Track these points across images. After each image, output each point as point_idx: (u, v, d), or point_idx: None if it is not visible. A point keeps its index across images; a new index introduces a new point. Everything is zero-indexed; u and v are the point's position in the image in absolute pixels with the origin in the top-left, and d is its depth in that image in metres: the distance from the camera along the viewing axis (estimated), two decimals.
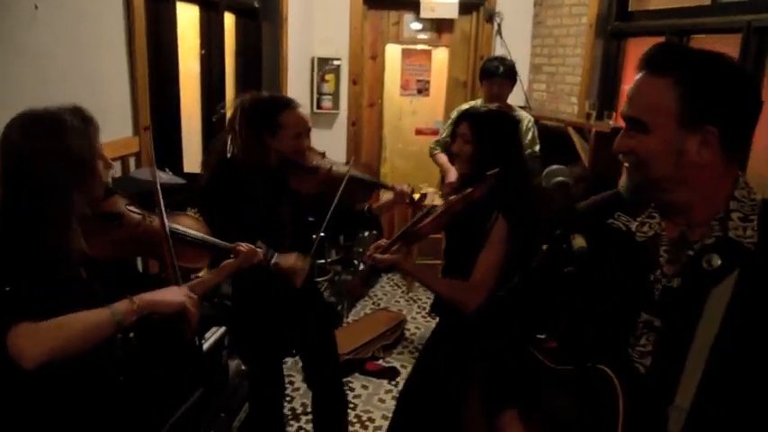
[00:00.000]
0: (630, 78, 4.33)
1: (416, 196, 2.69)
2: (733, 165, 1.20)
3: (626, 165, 1.26)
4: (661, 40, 4.11)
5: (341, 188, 2.40)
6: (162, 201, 1.73)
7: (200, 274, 2.08)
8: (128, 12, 2.62)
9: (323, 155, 2.62)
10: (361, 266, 4.94)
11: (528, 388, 1.38)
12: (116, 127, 2.60)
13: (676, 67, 1.16)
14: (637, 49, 4.62)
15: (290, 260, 2.26)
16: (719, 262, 1.15)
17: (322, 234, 2.35)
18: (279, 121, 2.30)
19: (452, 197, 2.19)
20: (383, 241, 2.23)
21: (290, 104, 2.35)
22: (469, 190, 2.11)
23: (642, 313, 1.24)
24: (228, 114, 2.44)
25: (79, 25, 2.37)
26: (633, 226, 1.28)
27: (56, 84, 2.25)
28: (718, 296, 1.13)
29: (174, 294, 1.56)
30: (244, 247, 1.96)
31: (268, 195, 2.35)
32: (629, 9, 4.60)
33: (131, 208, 1.70)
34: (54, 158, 1.40)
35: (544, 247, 1.33)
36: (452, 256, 2.34)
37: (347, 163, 2.67)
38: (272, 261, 2.19)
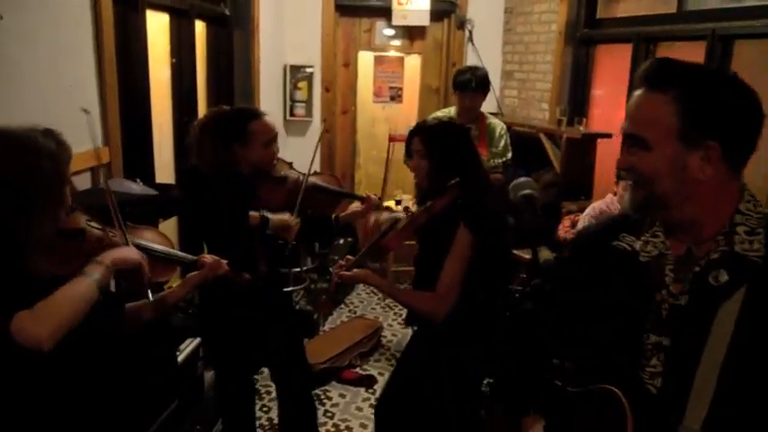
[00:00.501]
0: (600, 84, 4.40)
1: (388, 204, 2.73)
2: (737, 178, 1.18)
3: (629, 182, 1.25)
4: (629, 46, 4.18)
5: (299, 197, 2.48)
6: (119, 215, 1.72)
7: (169, 286, 2.07)
8: (96, 20, 2.59)
9: (290, 165, 2.64)
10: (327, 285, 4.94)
11: (541, 405, 1.37)
12: (84, 137, 2.56)
13: (675, 82, 1.15)
14: (605, 55, 4.70)
15: (283, 218, 2.45)
16: (726, 277, 1.13)
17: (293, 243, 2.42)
18: (249, 130, 2.34)
19: (415, 210, 2.22)
20: (348, 258, 2.25)
21: (257, 114, 2.40)
22: (431, 202, 2.15)
23: (650, 334, 1.21)
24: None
25: (46, 34, 2.33)
26: (637, 246, 1.27)
27: (23, 93, 2.21)
28: (727, 312, 1.11)
29: (130, 251, 1.61)
30: (208, 258, 1.95)
31: (238, 206, 2.37)
32: (598, 16, 4.67)
33: (92, 224, 1.67)
34: (24, 183, 1.37)
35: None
36: (422, 266, 2.36)
37: (315, 173, 2.70)
38: (269, 222, 2.37)
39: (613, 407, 1.16)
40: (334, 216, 2.72)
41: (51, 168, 1.41)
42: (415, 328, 2.52)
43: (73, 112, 2.49)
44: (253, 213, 2.42)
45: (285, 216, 2.46)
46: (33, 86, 2.27)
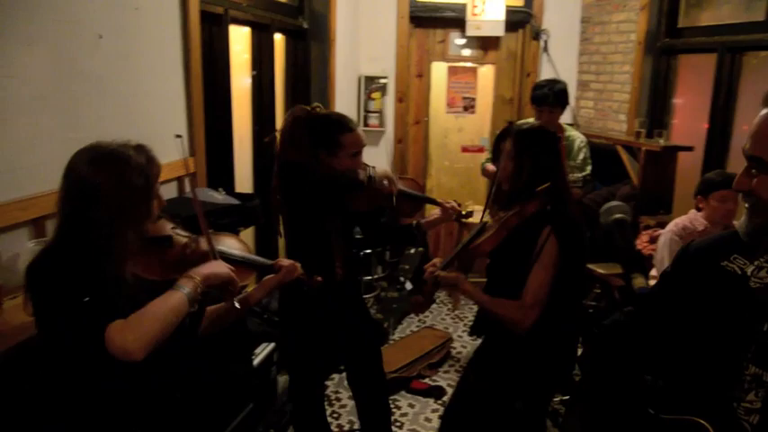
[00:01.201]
0: (681, 95, 4.25)
1: (464, 211, 2.69)
2: None
3: (746, 205, 1.18)
4: (713, 57, 4.05)
5: (394, 198, 2.45)
6: (206, 221, 1.79)
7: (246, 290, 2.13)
8: (184, 37, 2.71)
9: (373, 168, 2.63)
10: (407, 285, 4.95)
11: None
12: (172, 148, 2.68)
13: None
14: (687, 65, 4.56)
15: (383, 171, 2.45)
16: None
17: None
18: (339, 141, 2.36)
19: (504, 214, 2.17)
20: (438, 260, 2.23)
21: (349, 126, 2.41)
22: (520, 207, 2.11)
23: (751, 365, 1.15)
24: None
25: (139, 52, 2.46)
26: (749, 270, 1.20)
27: (116, 107, 2.34)
28: None
29: (219, 266, 1.65)
30: (285, 262, 2.00)
31: (319, 207, 2.39)
32: (679, 25, 4.53)
33: (178, 231, 1.74)
34: (115, 194, 1.45)
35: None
36: (495, 273, 2.31)
37: (398, 178, 2.68)
38: (371, 175, 2.37)
39: None
40: (415, 222, 2.71)
41: (141, 182, 1.50)
42: (481, 338, 2.50)
43: (163, 123, 2.61)
44: (362, 173, 2.41)
45: (385, 169, 2.46)
46: (126, 101, 2.40)
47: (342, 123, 2.42)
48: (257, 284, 1.98)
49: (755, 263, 1.19)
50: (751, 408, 1.14)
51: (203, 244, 1.73)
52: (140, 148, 1.54)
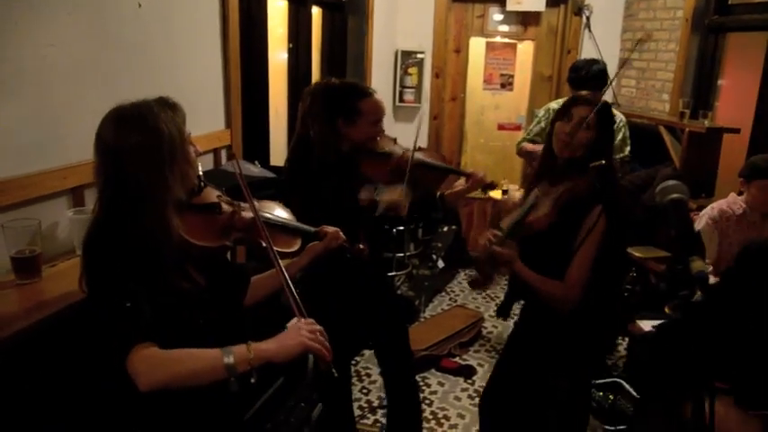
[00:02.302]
0: (730, 75, 4.09)
1: (494, 194, 2.64)
2: None
3: None
4: (764, 35, 3.89)
5: (407, 173, 2.38)
6: (248, 189, 1.77)
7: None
8: (223, 6, 2.69)
9: (395, 141, 2.59)
10: (439, 263, 4.91)
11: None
12: (209, 120, 2.67)
13: None
14: (737, 44, 4.39)
15: (392, 198, 2.35)
16: None
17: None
18: (358, 108, 2.31)
19: (555, 189, 2.11)
20: (495, 231, 2.15)
21: (367, 92, 2.35)
22: (572, 183, 2.05)
23: None
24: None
25: (177, 21, 2.44)
26: None
27: (154, 77, 2.34)
28: None
29: (292, 337, 1.46)
30: (329, 229, 1.98)
31: (341, 179, 2.35)
32: (729, 2, 4.37)
33: (223, 198, 1.74)
34: (148, 148, 1.44)
35: None
36: (539, 249, 2.21)
37: (419, 149, 2.62)
38: (378, 206, 2.32)
39: None
40: (438, 194, 2.65)
41: (170, 129, 1.47)
42: (513, 320, 2.45)
43: (199, 96, 2.60)
44: (365, 193, 2.37)
45: (394, 195, 2.36)
46: (165, 69, 2.40)
47: (360, 89, 2.37)
48: (303, 251, 1.96)
49: None
50: None
51: (247, 211, 1.73)
52: (161, 100, 1.52)
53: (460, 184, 2.67)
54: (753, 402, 1.15)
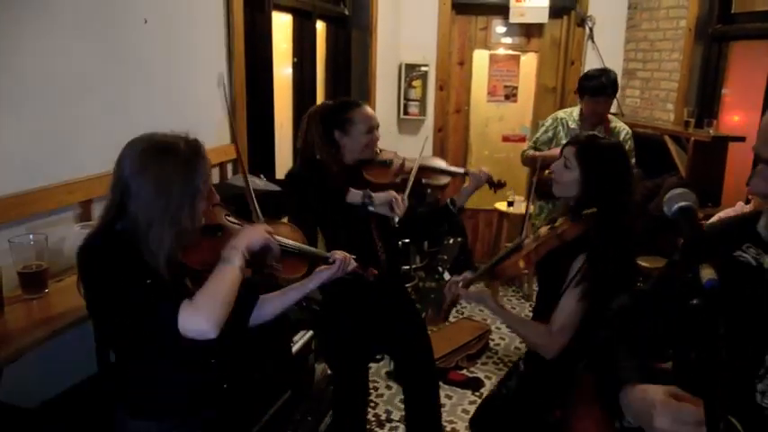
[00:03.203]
0: (733, 84, 4.09)
1: (499, 205, 2.64)
2: None
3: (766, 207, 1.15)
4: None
5: (411, 177, 2.44)
6: (258, 208, 1.76)
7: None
8: (228, 22, 2.71)
9: (395, 153, 2.63)
10: (445, 275, 4.89)
11: None
12: (215, 134, 2.69)
13: None
14: (740, 53, 4.39)
15: (387, 194, 2.34)
16: None
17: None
18: (350, 118, 2.40)
19: (543, 231, 2.05)
20: (468, 274, 2.13)
21: (357, 103, 2.47)
22: (564, 228, 1.96)
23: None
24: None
25: (184, 36, 2.46)
26: (766, 262, 1.16)
27: (160, 91, 2.35)
28: None
29: (256, 231, 1.62)
30: (339, 254, 1.97)
31: (345, 187, 2.38)
32: (733, 11, 4.37)
33: (230, 219, 1.73)
34: (157, 196, 1.43)
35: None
36: (541, 297, 2.22)
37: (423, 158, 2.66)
38: (370, 201, 2.31)
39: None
40: (449, 198, 2.65)
41: (193, 180, 1.47)
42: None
43: (205, 110, 2.62)
44: (352, 191, 2.37)
45: (390, 193, 2.35)
46: (170, 85, 2.41)
47: (349, 102, 2.51)
48: (311, 275, 1.95)
49: None
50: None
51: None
52: (190, 142, 1.50)
53: (466, 186, 2.68)
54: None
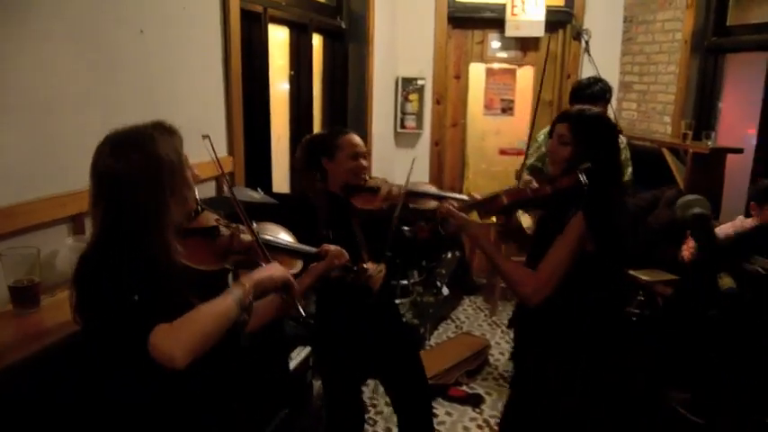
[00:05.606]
0: (730, 96, 4.09)
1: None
2: None
3: None
4: (764, 55, 3.89)
5: (399, 204, 2.42)
6: (245, 212, 1.74)
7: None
8: (225, 34, 2.68)
9: (384, 180, 2.61)
10: (444, 290, 4.86)
11: None
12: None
13: None
14: (736, 65, 4.40)
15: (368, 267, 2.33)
16: None
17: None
18: (335, 144, 2.43)
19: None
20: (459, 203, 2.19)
21: (344, 130, 2.52)
22: (557, 178, 2.05)
23: None
24: None
25: (180, 48, 2.43)
26: None
27: (156, 104, 2.32)
28: None
29: (275, 269, 1.60)
30: (331, 247, 1.97)
31: (335, 216, 2.41)
32: (728, 23, 4.38)
33: (221, 221, 1.71)
34: (147, 173, 1.41)
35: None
36: (535, 249, 2.20)
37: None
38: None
39: None
40: (440, 220, 2.63)
41: (168, 152, 1.45)
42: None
43: (202, 120, 2.59)
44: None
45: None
46: (167, 96, 2.38)
47: (336, 130, 2.56)
48: (304, 272, 1.93)
49: None
50: None
51: (247, 234, 1.70)
52: (158, 124, 1.49)
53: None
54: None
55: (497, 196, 2.12)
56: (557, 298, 1.98)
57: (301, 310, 1.70)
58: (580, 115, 2.10)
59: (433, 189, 2.72)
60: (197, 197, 1.60)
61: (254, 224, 1.72)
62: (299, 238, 2.28)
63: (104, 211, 1.42)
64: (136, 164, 1.40)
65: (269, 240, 1.80)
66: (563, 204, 2.03)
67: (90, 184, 1.43)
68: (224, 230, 1.68)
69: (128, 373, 1.45)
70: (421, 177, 4.38)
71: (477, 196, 2.61)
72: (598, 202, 1.98)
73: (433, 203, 2.69)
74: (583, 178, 1.95)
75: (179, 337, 1.31)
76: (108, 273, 1.35)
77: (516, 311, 2.36)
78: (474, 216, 2.28)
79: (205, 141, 1.61)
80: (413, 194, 2.56)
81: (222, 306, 1.41)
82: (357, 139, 2.49)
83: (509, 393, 2.44)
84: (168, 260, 1.43)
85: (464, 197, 2.61)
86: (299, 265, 1.92)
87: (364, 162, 2.48)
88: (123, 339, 1.35)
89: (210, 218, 1.70)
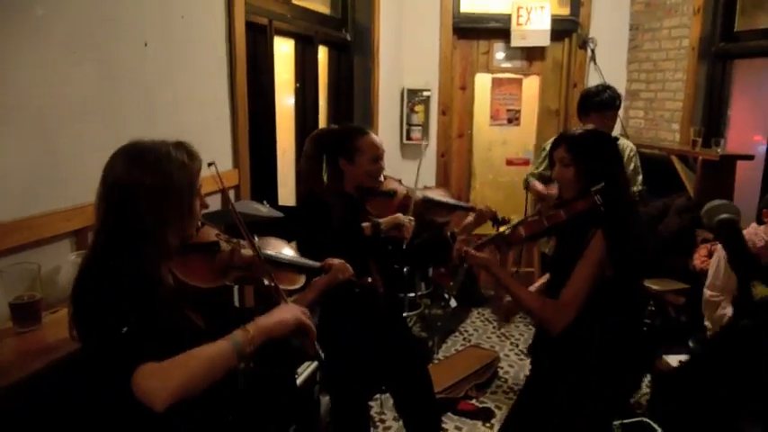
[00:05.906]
0: (739, 102, 4.06)
1: (501, 217, 2.62)
2: None
3: None
4: None
5: (410, 207, 2.42)
6: (246, 228, 1.72)
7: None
8: (230, 46, 2.66)
9: (399, 181, 2.59)
10: (452, 303, 4.82)
11: None
12: (217, 160, 2.62)
13: None
14: (745, 70, 4.36)
15: (394, 216, 2.37)
16: None
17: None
18: (355, 146, 2.35)
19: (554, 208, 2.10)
20: (474, 238, 2.17)
21: (364, 130, 2.42)
22: (571, 203, 2.04)
23: None
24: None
25: (184, 61, 2.41)
26: None
27: (161, 116, 2.30)
28: None
29: (286, 312, 1.52)
30: (334, 261, 1.94)
31: (347, 220, 2.36)
32: (736, 29, 4.35)
33: (222, 237, 1.69)
34: (154, 192, 1.39)
35: None
36: (554, 273, 2.23)
37: (426, 188, 2.63)
38: (381, 225, 2.31)
39: None
40: (450, 233, 2.62)
41: (182, 178, 1.43)
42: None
43: (208, 133, 2.57)
44: (364, 224, 2.37)
45: (397, 216, 2.40)
46: (172, 109, 2.36)
47: (356, 128, 2.47)
48: (308, 287, 1.90)
49: None
50: None
51: (248, 249, 1.67)
52: (180, 145, 1.48)
53: (469, 220, 2.63)
54: None
55: (515, 230, 2.11)
56: (576, 324, 1.96)
57: (320, 352, 1.59)
58: (573, 135, 2.13)
59: (448, 198, 2.72)
60: (199, 222, 1.57)
61: (256, 239, 1.69)
62: (312, 238, 2.26)
63: (105, 215, 1.40)
64: (147, 180, 1.39)
65: (270, 255, 1.78)
66: (579, 227, 2.02)
67: (99, 186, 1.42)
68: (224, 246, 1.65)
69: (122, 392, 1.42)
70: None
71: (492, 208, 2.61)
72: (617, 224, 1.97)
73: (447, 217, 2.69)
74: (599, 200, 1.95)
75: (164, 380, 1.25)
76: (101, 294, 1.32)
77: (536, 339, 2.33)
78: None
79: (211, 168, 1.58)
80: (428, 203, 2.54)
81: (218, 352, 1.34)
82: (378, 139, 2.42)
83: (513, 404, 2.41)
84: (159, 280, 1.40)
85: (482, 208, 2.60)
86: (301, 280, 1.89)
87: (383, 164, 2.43)
88: (109, 370, 1.31)
89: (211, 233, 1.67)
